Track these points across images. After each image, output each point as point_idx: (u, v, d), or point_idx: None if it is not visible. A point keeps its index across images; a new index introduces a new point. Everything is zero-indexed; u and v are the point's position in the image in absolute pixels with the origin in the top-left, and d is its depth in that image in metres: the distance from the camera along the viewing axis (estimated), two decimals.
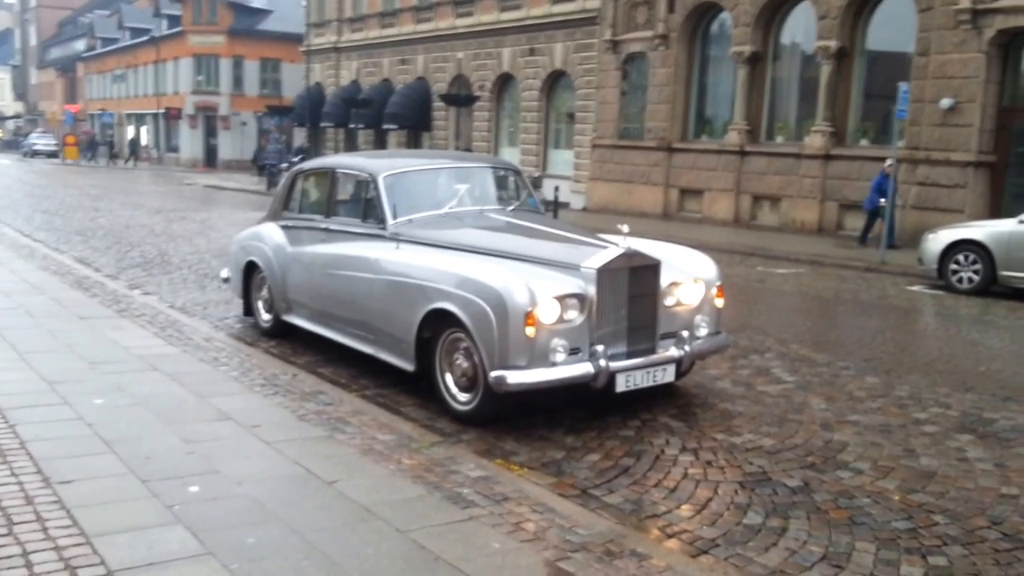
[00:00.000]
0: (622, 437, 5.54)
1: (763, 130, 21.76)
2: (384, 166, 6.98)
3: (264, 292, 8.12)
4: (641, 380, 5.66)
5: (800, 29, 20.89)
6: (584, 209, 25.20)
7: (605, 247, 5.78)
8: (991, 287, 12.34)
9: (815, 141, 19.83)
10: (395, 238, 6.50)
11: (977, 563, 3.96)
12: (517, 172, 7.88)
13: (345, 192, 7.54)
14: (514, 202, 7.39)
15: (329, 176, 7.59)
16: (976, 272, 12.44)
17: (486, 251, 6.02)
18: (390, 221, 6.59)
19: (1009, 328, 10.14)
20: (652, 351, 5.77)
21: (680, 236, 17.47)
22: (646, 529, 4.22)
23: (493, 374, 5.29)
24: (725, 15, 22.09)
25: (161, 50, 55.29)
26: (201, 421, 5.24)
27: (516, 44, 28.71)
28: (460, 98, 28.70)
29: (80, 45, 72.21)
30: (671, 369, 5.85)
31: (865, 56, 19.72)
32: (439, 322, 5.77)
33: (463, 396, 5.75)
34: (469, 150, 30.18)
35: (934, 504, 4.60)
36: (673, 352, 5.85)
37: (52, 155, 57.03)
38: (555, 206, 22.65)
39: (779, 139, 21.47)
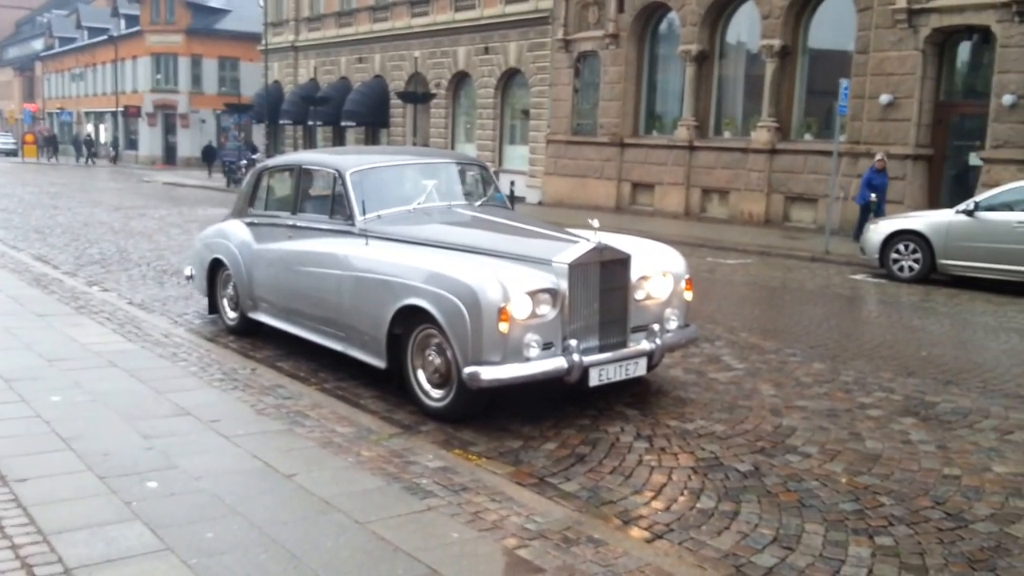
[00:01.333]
0: (578, 426, 5.61)
1: (711, 126, 22.11)
2: (351, 162, 6.90)
3: (229, 290, 7.98)
4: (614, 374, 5.68)
5: (745, 28, 21.27)
6: (539, 203, 25.39)
7: (576, 242, 5.76)
8: (931, 275, 12.71)
9: (761, 136, 20.20)
10: (364, 234, 6.42)
11: (922, 542, 4.07)
12: (484, 168, 7.83)
13: (312, 189, 7.46)
14: (481, 198, 7.33)
15: (296, 173, 7.48)
16: (916, 261, 12.78)
17: (457, 247, 5.96)
18: (359, 217, 6.51)
19: (948, 314, 10.44)
20: (623, 345, 5.78)
21: (633, 229, 17.66)
22: (603, 516, 4.27)
23: (467, 370, 5.25)
24: (673, 15, 22.39)
25: (119, 49, 55.32)
26: (159, 417, 5.21)
27: (471, 43, 28.88)
28: (417, 96, 28.74)
29: (38, 44, 71.85)
30: (643, 362, 5.87)
31: (807, 54, 20.15)
32: (410, 318, 5.72)
33: (436, 393, 5.71)
34: (426, 146, 30.23)
35: (880, 486, 4.73)
36: (644, 345, 5.87)
37: (11, 153, 56.34)
38: (511, 201, 22.72)
39: (726, 134, 21.84)
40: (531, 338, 5.33)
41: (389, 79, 32.83)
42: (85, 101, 62.08)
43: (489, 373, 5.20)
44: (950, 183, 17.64)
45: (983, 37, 16.79)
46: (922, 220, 13.03)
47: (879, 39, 17.82)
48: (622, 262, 5.80)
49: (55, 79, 68.36)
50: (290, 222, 7.29)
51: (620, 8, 23.19)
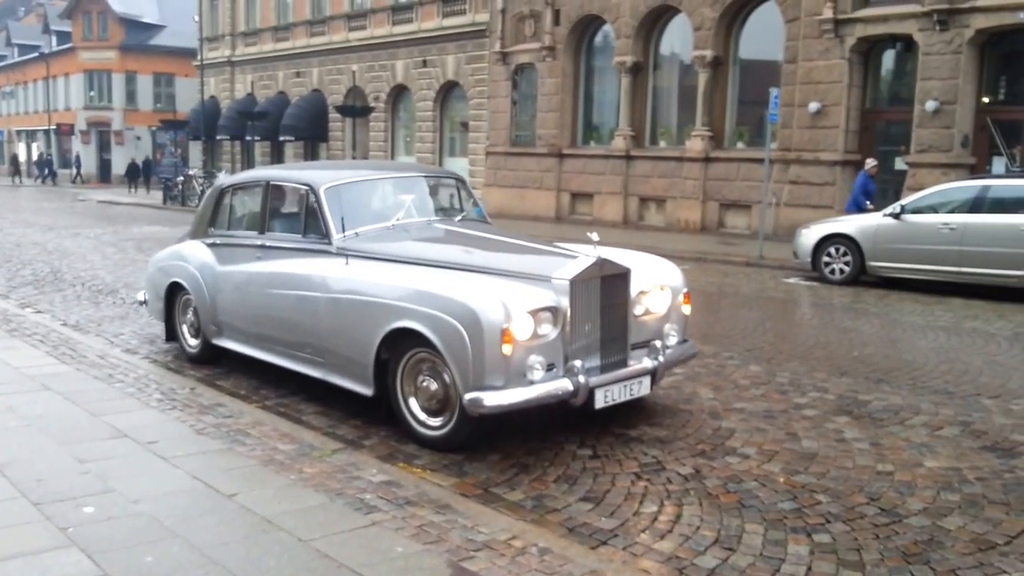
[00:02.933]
0: (522, 435, 5.62)
1: (647, 135, 22.46)
2: (325, 177, 6.54)
3: (190, 315, 7.54)
4: (619, 394, 5.43)
5: (678, 40, 21.67)
6: None
7: (575, 256, 5.55)
8: (860, 277, 13.07)
9: (695, 145, 20.56)
10: (343, 253, 6.07)
11: (858, 538, 4.17)
12: (461, 181, 7.50)
13: (282, 206, 7.15)
14: (459, 213, 7.07)
15: (263, 190, 7.04)
16: (847, 264, 13.13)
17: (448, 265, 5.68)
18: (336, 235, 6.15)
19: (879, 315, 10.72)
20: (624, 363, 5.56)
21: (573, 238, 17.80)
22: (547, 524, 4.29)
23: (468, 396, 4.95)
24: (608, 27, 22.70)
25: (51, 66, 54.46)
26: (95, 440, 5.11)
27: (409, 56, 28.92)
28: (356, 109, 28.66)
29: None
30: (647, 381, 5.63)
31: (738, 64, 20.59)
32: (401, 342, 5.39)
33: (433, 421, 5.39)
34: (366, 159, 30.12)
35: (816, 484, 4.84)
36: (647, 363, 5.63)
37: None
38: None
39: (662, 144, 22.19)
40: (534, 360, 5.06)
41: (327, 93, 32.65)
42: (16, 120, 60.86)
43: (492, 399, 4.91)
44: (878, 187, 18.09)
45: (906, 45, 17.34)
46: (851, 224, 13.38)
47: (807, 49, 18.29)
48: (622, 277, 5.57)
49: None
50: (258, 242, 6.85)
51: (556, 21, 23.44)
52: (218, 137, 37.44)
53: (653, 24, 21.75)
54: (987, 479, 4.96)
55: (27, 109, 59.50)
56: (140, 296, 8.49)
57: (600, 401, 5.32)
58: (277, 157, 35.82)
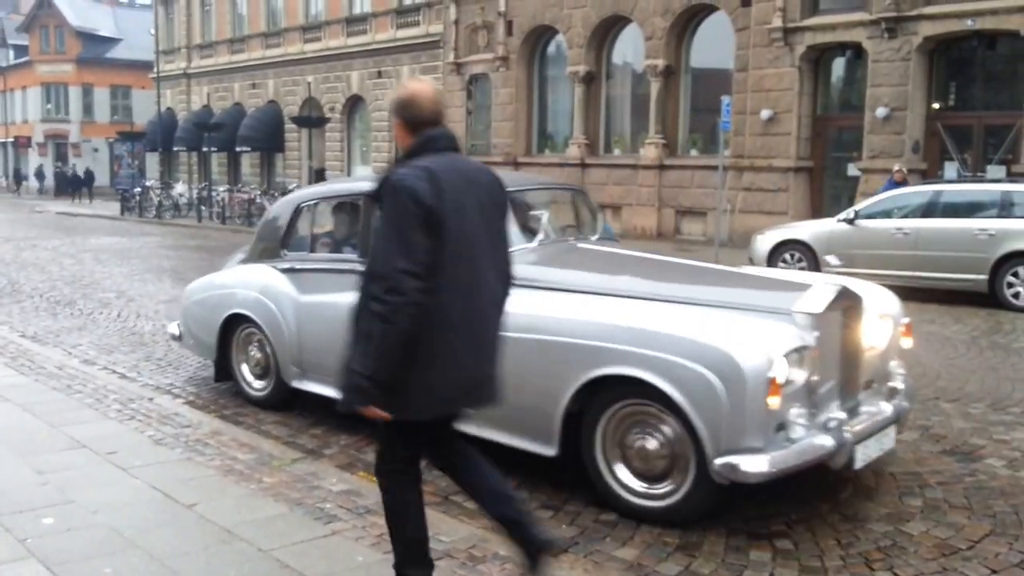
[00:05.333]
0: (483, 443, 5.61)
1: (601, 144, 22.68)
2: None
3: (255, 353, 6.42)
4: (873, 450, 4.55)
5: (629, 49, 21.92)
6: None
7: (807, 286, 4.79)
8: None
9: (649, 153, 20.81)
10: None
11: (820, 544, 4.15)
12: (582, 194, 6.69)
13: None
14: (588, 231, 6.23)
15: (364, 205, 5.86)
16: (802, 269, 13.35)
17: (655, 297, 4.73)
18: None
19: None
20: (857, 410, 4.65)
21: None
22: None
23: (720, 461, 4.03)
24: (560, 37, 22.91)
25: (8, 79, 54.40)
26: (54, 451, 5.08)
27: (364, 67, 28.96)
28: (311, 120, 28.55)
29: None
30: (892, 432, 4.75)
31: (690, 73, 20.90)
32: (603, 392, 4.44)
33: (656, 488, 4.38)
34: (322, 170, 30.02)
35: (779, 489, 4.64)
36: (888, 409, 4.72)
37: None
38: None
39: (616, 152, 22.43)
40: (794, 413, 4.17)
41: (283, 104, 32.56)
42: None
43: (753, 464, 4.00)
44: (830, 193, 18.49)
45: (855, 53, 17.67)
46: (806, 229, 13.60)
47: (757, 57, 18.60)
48: (857, 307, 4.73)
49: None
50: (361, 267, 6.08)
51: (509, 32, 23.62)
52: (175, 148, 37.10)
53: (605, 34, 22.00)
54: (948, 483, 4.96)
55: None
56: (173, 329, 7.21)
57: (860, 460, 4.42)
58: (234, 168, 35.65)
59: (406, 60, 27.35)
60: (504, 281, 3.28)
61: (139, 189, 32.37)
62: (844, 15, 17.39)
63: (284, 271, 6.25)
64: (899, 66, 16.63)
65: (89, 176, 43.21)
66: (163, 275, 14.62)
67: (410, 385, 2.97)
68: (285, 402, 6.28)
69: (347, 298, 5.23)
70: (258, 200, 27.25)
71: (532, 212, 5.80)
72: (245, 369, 6.55)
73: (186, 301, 7.08)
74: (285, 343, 6.09)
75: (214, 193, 29.65)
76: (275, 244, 6.47)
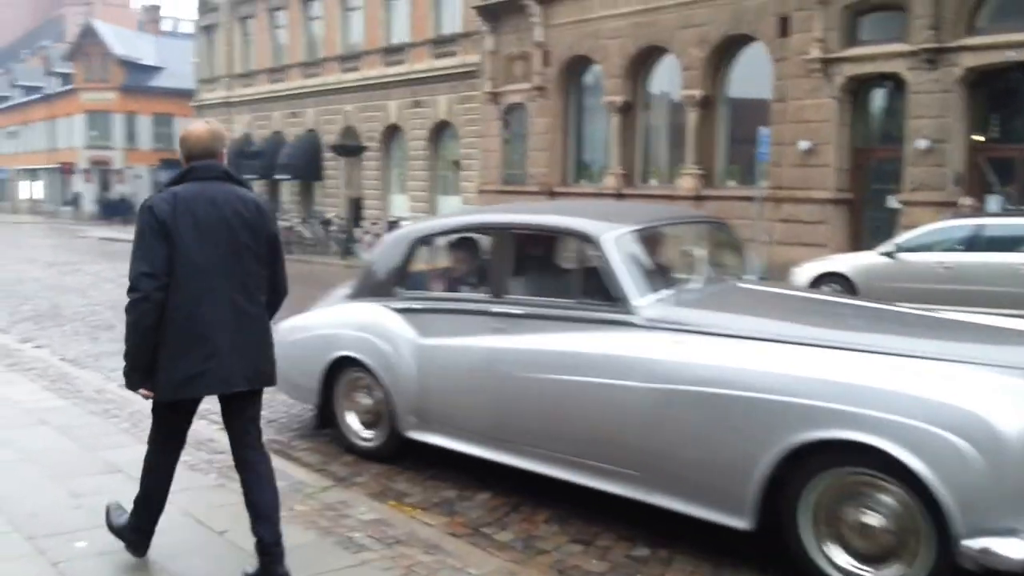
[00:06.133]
0: (514, 475, 5.56)
1: (638, 174, 22.56)
2: (606, 225, 4.98)
3: (363, 399, 5.94)
4: None
5: (667, 79, 21.82)
6: None
7: None
8: None
9: (686, 183, 20.68)
10: (655, 326, 4.59)
11: None
12: (726, 226, 6.31)
13: (529, 261, 5.74)
14: (739, 268, 5.82)
15: (495, 240, 5.53)
16: None
17: (866, 348, 4.21)
18: (638, 301, 4.67)
19: None
20: None
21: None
22: (537, 565, 4.27)
23: (969, 544, 3.54)
24: (597, 67, 22.92)
25: (54, 107, 55.95)
26: (89, 475, 5.13)
27: (402, 97, 29.20)
28: (349, 149, 28.91)
29: None
30: None
31: (728, 103, 20.74)
32: (813, 457, 3.94)
33: (881, 570, 3.85)
34: (360, 199, 30.28)
35: None
36: None
37: None
38: None
39: (653, 182, 22.30)
40: None
41: (322, 133, 32.94)
42: (19, 158, 62.25)
43: (1016, 548, 3.52)
44: (870, 226, 18.25)
45: (895, 84, 17.46)
46: (845, 262, 13.44)
47: (795, 88, 18.47)
48: None
49: None
50: (495, 308, 5.24)
51: (546, 62, 23.71)
52: None
53: (642, 64, 21.98)
54: None
55: (30, 148, 60.65)
56: None
57: None
58: (273, 196, 36.08)
59: (443, 89, 27.57)
60: (246, 290, 3.71)
61: None
62: (883, 46, 17.21)
63: (400, 311, 5.73)
64: (940, 97, 16.41)
65: (125, 203, 44.08)
66: None
67: (156, 369, 3.57)
68: (398, 453, 5.78)
69: (477, 342, 5.24)
70: (296, 228, 27.59)
71: (687, 249, 5.46)
72: (351, 418, 6.00)
73: (280, 341, 6.29)
74: (403, 390, 5.57)
75: None
76: (389, 281, 5.95)
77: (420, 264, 6.01)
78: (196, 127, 3.82)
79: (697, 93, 20.32)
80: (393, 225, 25.41)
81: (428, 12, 28.16)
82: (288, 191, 35.65)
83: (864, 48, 17.56)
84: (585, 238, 4.99)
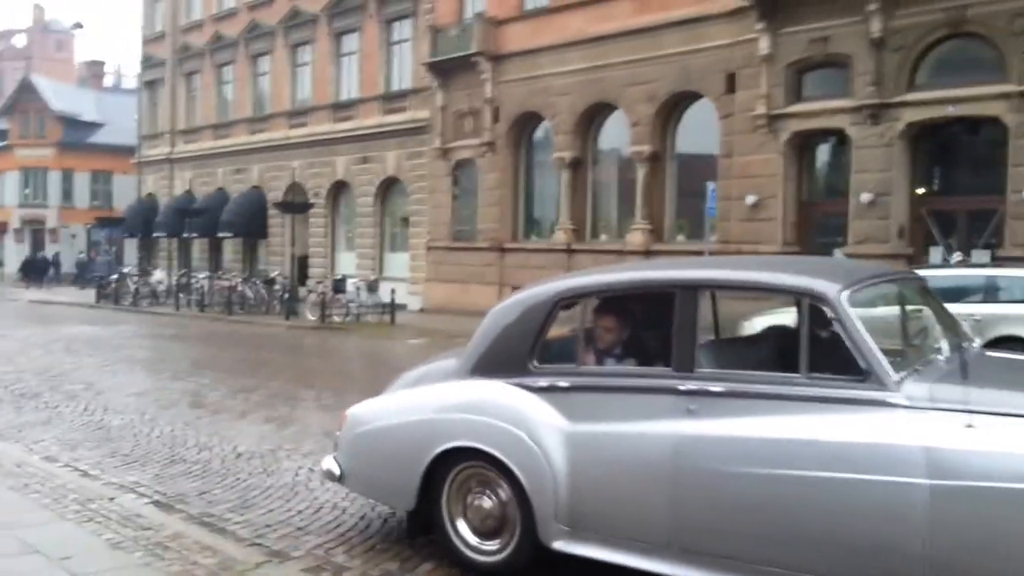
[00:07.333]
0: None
1: (588, 229, 22.65)
2: (828, 283, 4.13)
3: (481, 502, 4.73)
4: None
5: (616, 135, 22.07)
6: (421, 310, 25.24)
7: None
8: None
9: (636, 238, 20.75)
10: (923, 406, 3.74)
11: None
12: (923, 280, 5.35)
13: (727, 326, 4.98)
14: (955, 332, 4.80)
15: (680, 300, 4.38)
16: None
17: None
18: (891, 375, 3.82)
19: None
20: None
21: None
22: None
23: None
24: (547, 123, 23.10)
25: None
26: (3, 556, 4.71)
27: (350, 152, 29.07)
28: (295, 205, 28.50)
29: None
30: None
31: (676, 159, 21.02)
32: None
33: None
34: (305, 257, 29.81)
35: None
36: None
37: None
38: (392, 308, 22.61)
39: (603, 237, 22.40)
40: None
41: (267, 189, 32.56)
42: None
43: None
44: None
45: (839, 139, 17.79)
46: (794, 316, 13.38)
47: (742, 143, 18.72)
48: None
49: None
50: (684, 386, 4.23)
51: (495, 118, 23.81)
52: (155, 234, 37.03)
53: (591, 120, 22.19)
54: None
55: None
56: (330, 465, 5.30)
57: None
58: (215, 255, 35.44)
59: (392, 145, 27.48)
60: None
61: (115, 276, 32.00)
62: (827, 102, 17.57)
63: (539, 390, 4.61)
64: (883, 152, 16.73)
65: (47, 261, 42.67)
66: (135, 366, 14.21)
67: None
68: (533, 568, 4.62)
69: (659, 428, 4.18)
70: (239, 287, 27.03)
71: (913, 311, 4.58)
72: (463, 526, 4.80)
73: (357, 429, 5.22)
74: (546, 490, 4.42)
75: (193, 280, 29.36)
76: (519, 354, 4.77)
77: (567, 332, 4.94)
78: None
79: (646, 149, 20.50)
80: (339, 283, 25.10)
81: (378, 68, 28.21)
82: (231, 249, 35.06)
83: (808, 104, 17.91)
84: (814, 297, 4.07)
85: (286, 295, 24.86)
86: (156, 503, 6.04)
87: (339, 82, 30.00)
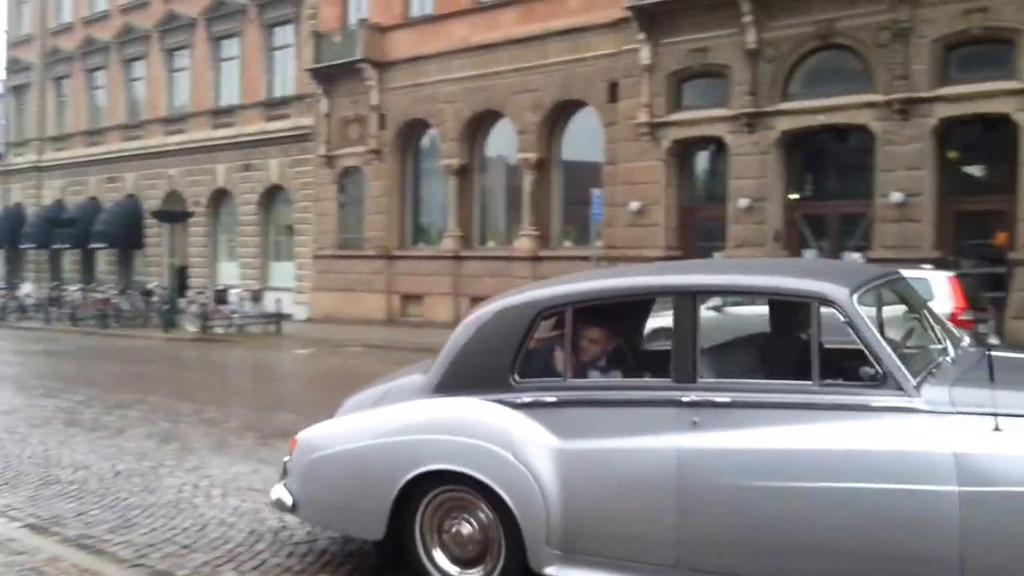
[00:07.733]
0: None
1: (476, 236, 22.76)
2: (837, 286, 3.92)
3: (460, 528, 4.40)
4: None
5: (503, 142, 22.23)
6: (308, 320, 24.76)
7: None
8: None
9: (523, 244, 20.93)
10: (945, 411, 3.60)
11: None
12: (908, 282, 5.10)
13: (725, 333, 4.72)
14: (948, 332, 4.68)
15: (677, 306, 4.17)
16: None
17: None
18: (909, 380, 3.67)
19: None
20: None
21: (404, 340, 17.52)
22: None
23: None
24: (433, 131, 23.07)
25: None
26: None
27: (231, 160, 28.28)
28: (174, 214, 27.54)
29: None
30: None
31: (562, 166, 21.34)
32: None
33: None
34: (185, 267, 28.84)
35: None
36: None
37: None
38: (278, 318, 22.11)
39: (491, 244, 22.53)
40: None
41: (143, 198, 31.38)
42: None
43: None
44: None
45: (718, 146, 18.36)
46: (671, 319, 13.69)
47: (625, 151, 19.11)
48: None
49: None
50: (688, 397, 3.99)
51: (382, 125, 23.63)
52: (22, 246, 35.20)
53: (477, 127, 22.28)
54: None
55: None
56: (280, 494, 4.85)
57: None
58: (88, 266, 33.92)
59: (275, 153, 26.92)
60: None
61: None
62: (706, 111, 18.11)
63: (522, 406, 4.30)
64: (759, 159, 17.37)
65: None
66: (3, 383, 13.42)
67: None
68: None
69: (661, 442, 3.92)
70: (114, 299, 25.94)
71: (912, 312, 4.40)
72: (440, 555, 4.46)
73: (312, 455, 4.76)
74: (536, 513, 4.13)
75: (65, 293, 28.02)
76: (497, 369, 4.43)
77: (552, 344, 4.62)
78: None
79: (532, 156, 20.72)
80: (221, 294, 24.39)
81: (259, 74, 27.57)
82: (104, 260, 33.60)
83: (688, 113, 18.43)
84: (824, 301, 3.86)
85: (165, 307, 24.00)
86: (30, 526, 5.69)
87: (219, 88, 29.20)
